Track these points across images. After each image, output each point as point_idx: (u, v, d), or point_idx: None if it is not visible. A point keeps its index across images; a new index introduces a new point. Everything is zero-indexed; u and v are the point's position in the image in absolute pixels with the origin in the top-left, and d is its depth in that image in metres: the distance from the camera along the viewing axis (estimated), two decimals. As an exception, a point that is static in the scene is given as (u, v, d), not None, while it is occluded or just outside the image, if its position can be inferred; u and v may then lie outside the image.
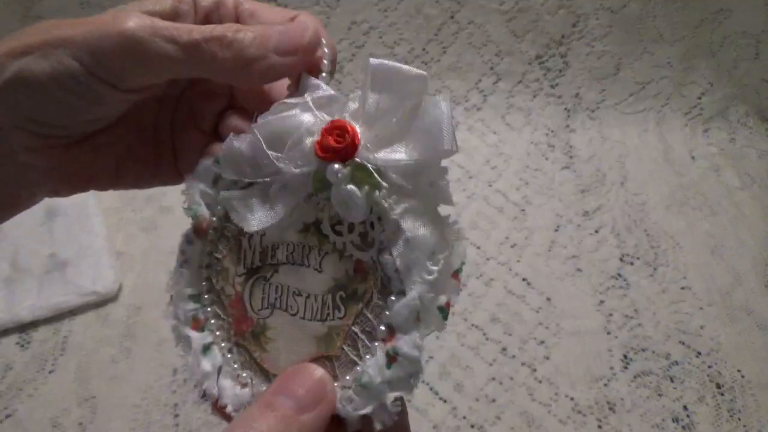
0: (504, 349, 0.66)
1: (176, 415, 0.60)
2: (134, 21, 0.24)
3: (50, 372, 0.63)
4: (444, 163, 0.24)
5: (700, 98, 0.91)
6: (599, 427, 0.61)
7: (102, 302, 0.68)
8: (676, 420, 0.62)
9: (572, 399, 0.63)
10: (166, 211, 0.76)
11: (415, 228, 0.23)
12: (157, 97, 0.30)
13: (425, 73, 0.23)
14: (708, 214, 0.81)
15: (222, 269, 0.27)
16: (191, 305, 0.27)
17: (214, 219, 0.27)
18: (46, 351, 0.64)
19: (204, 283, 0.27)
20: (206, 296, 0.27)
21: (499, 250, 0.75)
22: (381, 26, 0.86)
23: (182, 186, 0.29)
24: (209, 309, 0.27)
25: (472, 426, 0.61)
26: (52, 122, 0.25)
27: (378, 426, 0.22)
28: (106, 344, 0.65)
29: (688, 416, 0.62)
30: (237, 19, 0.28)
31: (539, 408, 0.62)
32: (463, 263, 0.24)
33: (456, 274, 0.24)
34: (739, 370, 0.65)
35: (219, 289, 0.27)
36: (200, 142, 0.30)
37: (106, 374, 0.63)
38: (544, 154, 0.86)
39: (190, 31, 0.24)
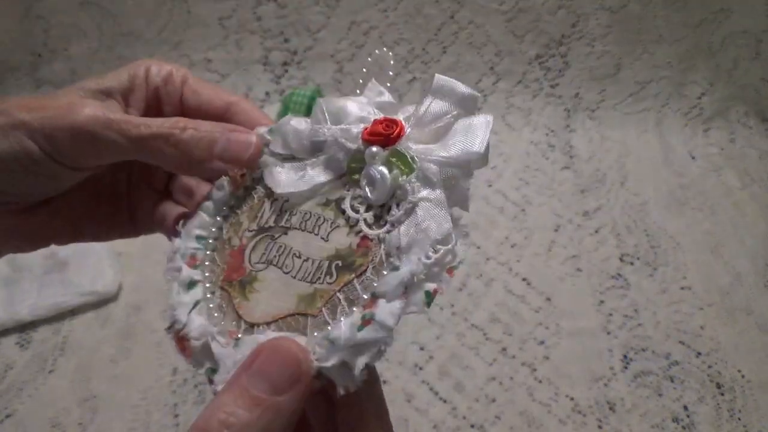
0: (504, 349, 0.66)
1: (176, 415, 0.60)
2: (87, 112, 0.25)
3: (50, 372, 0.63)
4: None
5: (700, 98, 0.91)
6: (599, 427, 0.61)
7: (102, 302, 0.68)
8: (676, 420, 0.62)
9: (572, 399, 0.63)
10: (166, 211, 0.76)
11: (428, 216, 0.24)
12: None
13: (478, 94, 0.25)
14: (708, 214, 0.81)
15: (236, 222, 0.29)
16: (194, 244, 0.29)
17: (248, 178, 0.29)
18: (46, 351, 0.64)
19: (213, 230, 0.29)
20: (210, 241, 0.29)
21: (499, 250, 0.75)
22: (381, 26, 0.86)
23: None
24: (208, 252, 0.29)
25: (472, 426, 0.61)
26: (10, 192, 0.27)
27: (341, 390, 0.22)
28: (106, 344, 0.65)
29: (688, 416, 0.62)
30: (181, 95, 0.30)
31: (539, 408, 0.62)
32: (460, 263, 0.24)
33: (451, 269, 0.24)
34: (739, 370, 0.65)
35: (226, 239, 0.29)
36: (153, 200, 0.32)
37: (106, 374, 0.63)
38: (544, 154, 0.86)
39: (138, 125, 0.26)
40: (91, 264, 0.69)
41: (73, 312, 0.67)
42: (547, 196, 0.81)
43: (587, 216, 0.79)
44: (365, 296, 0.23)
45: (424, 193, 0.24)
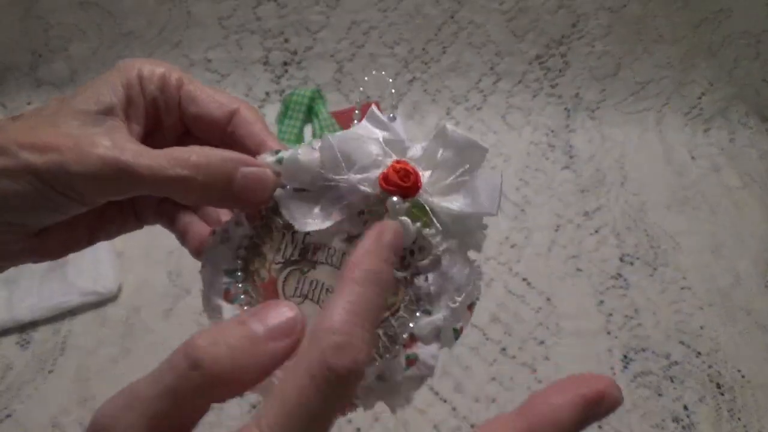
0: (504, 349, 0.66)
1: (176, 415, 0.60)
2: (99, 153, 0.25)
3: (50, 372, 0.63)
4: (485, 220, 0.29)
5: (700, 98, 0.91)
6: (599, 427, 0.61)
7: (102, 302, 0.68)
8: (676, 420, 0.62)
9: (572, 399, 0.63)
10: (166, 211, 0.76)
11: (451, 265, 0.28)
12: None
13: (487, 147, 0.28)
14: (708, 214, 0.81)
15: (260, 254, 0.30)
16: (226, 278, 0.29)
17: (263, 209, 0.30)
18: (46, 351, 0.64)
19: (239, 262, 0.30)
20: (239, 273, 0.29)
21: (499, 250, 0.75)
22: (381, 26, 0.86)
23: None
24: (240, 285, 0.29)
25: (472, 426, 0.61)
26: (22, 223, 0.27)
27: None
28: (106, 344, 0.65)
29: (688, 416, 0.62)
30: (180, 102, 0.30)
31: (539, 408, 0.62)
32: (477, 299, 0.28)
33: (471, 306, 0.28)
34: (739, 370, 0.65)
35: (254, 270, 0.29)
36: (155, 198, 0.33)
37: (106, 374, 0.63)
38: (544, 154, 0.86)
39: (151, 168, 0.26)
40: (91, 264, 0.69)
41: (73, 312, 0.67)
42: (547, 196, 0.81)
43: (587, 216, 0.79)
44: (404, 335, 0.27)
45: (446, 245, 0.28)
